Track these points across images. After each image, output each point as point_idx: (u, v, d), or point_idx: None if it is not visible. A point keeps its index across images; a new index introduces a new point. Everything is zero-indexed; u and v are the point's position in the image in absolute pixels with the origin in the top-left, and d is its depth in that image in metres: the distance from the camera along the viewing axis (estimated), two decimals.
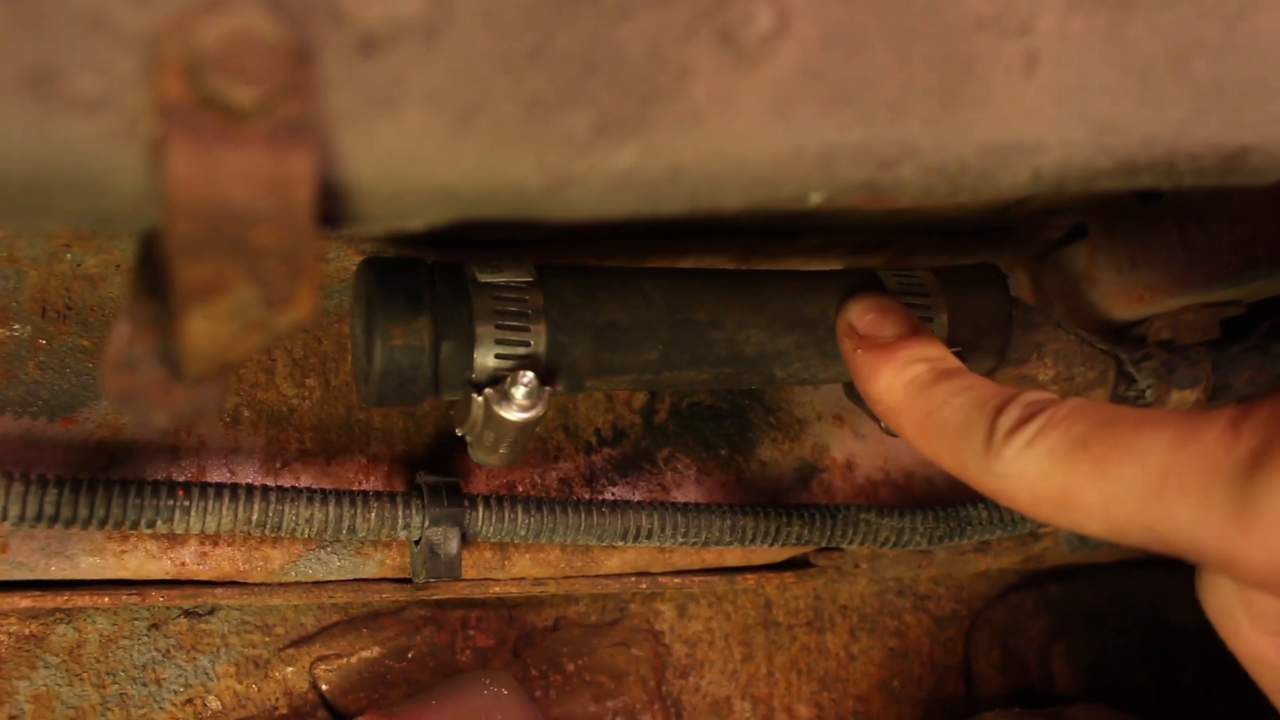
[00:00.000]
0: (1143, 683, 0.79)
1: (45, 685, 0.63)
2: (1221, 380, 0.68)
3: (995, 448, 0.42)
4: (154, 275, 0.33)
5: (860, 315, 0.53)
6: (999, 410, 0.42)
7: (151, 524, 0.57)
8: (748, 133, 0.34)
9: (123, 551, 0.60)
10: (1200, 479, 0.36)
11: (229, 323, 0.31)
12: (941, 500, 0.71)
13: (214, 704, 0.66)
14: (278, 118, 0.28)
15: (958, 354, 0.57)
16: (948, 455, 0.44)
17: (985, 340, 0.59)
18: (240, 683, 0.66)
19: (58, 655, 0.63)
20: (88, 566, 0.60)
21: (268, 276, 0.30)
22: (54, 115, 0.27)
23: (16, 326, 0.60)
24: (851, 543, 0.68)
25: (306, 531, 0.59)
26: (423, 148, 0.31)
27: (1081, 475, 0.39)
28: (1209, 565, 0.37)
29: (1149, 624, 0.80)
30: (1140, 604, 0.79)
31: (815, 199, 0.36)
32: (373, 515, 0.60)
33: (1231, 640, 0.46)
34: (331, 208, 0.31)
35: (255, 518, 0.58)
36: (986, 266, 0.60)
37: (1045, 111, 0.37)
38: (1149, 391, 0.68)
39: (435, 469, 0.64)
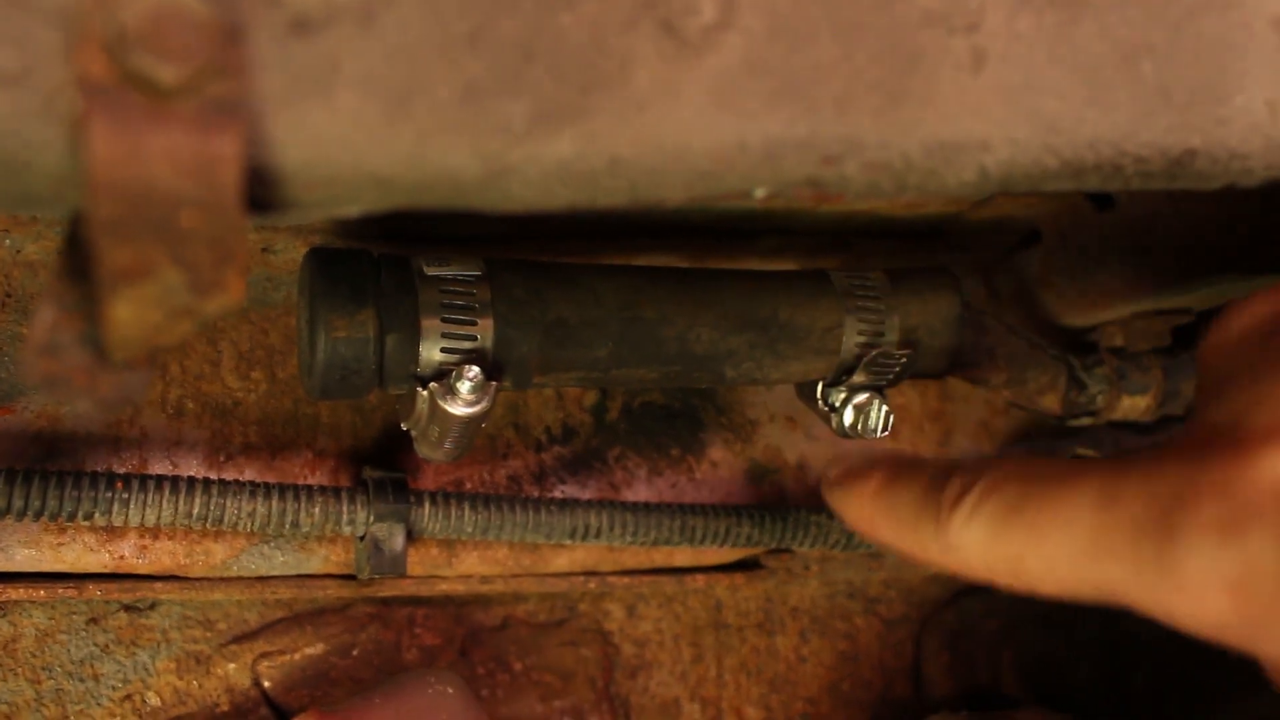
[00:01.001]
0: (1093, 688, 0.79)
1: None
2: (1172, 387, 0.68)
3: (943, 525, 0.42)
4: (80, 258, 0.32)
5: (833, 472, 0.53)
6: (941, 487, 0.43)
7: (89, 516, 0.56)
8: (690, 124, 0.33)
9: (60, 544, 0.59)
10: (1125, 539, 0.36)
11: (155, 308, 0.30)
12: None
13: (153, 700, 0.65)
14: (204, 97, 0.28)
15: (908, 356, 0.57)
16: (917, 549, 0.45)
17: (936, 343, 0.59)
18: (181, 679, 0.65)
19: None
20: (23, 559, 0.59)
21: (194, 261, 0.29)
22: None
23: None
24: (802, 544, 0.68)
25: (249, 526, 0.58)
26: (356, 133, 0.30)
27: (1020, 543, 0.39)
28: (1164, 620, 0.37)
29: (1100, 629, 0.80)
30: (1091, 609, 0.79)
31: (759, 194, 0.36)
32: (317, 510, 0.59)
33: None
34: (261, 192, 0.30)
35: (196, 511, 0.57)
36: (939, 270, 0.60)
37: (992, 110, 0.37)
38: (1100, 397, 0.68)
39: (383, 464, 0.63)
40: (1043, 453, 0.73)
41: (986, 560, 0.41)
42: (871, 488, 0.48)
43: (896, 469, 0.47)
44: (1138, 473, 0.37)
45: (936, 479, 0.44)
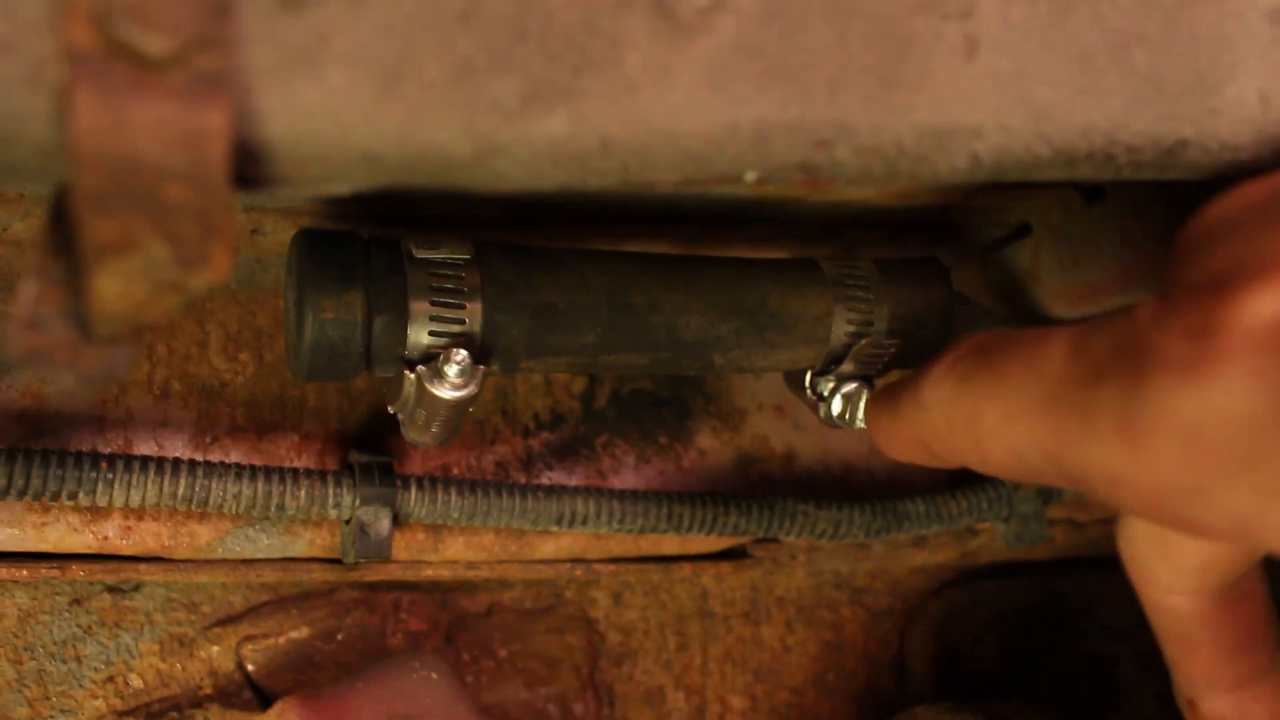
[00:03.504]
0: (1077, 681, 0.79)
1: None
2: None
3: (919, 386, 0.41)
4: (64, 232, 0.32)
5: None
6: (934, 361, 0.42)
7: (73, 496, 0.55)
8: (682, 106, 0.33)
9: (43, 524, 0.59)
10: (1086, 388, 0.33)
11: (140, 282, 0.30)
12: (881, 494, 0.71)
13: (136, 682, 0.64)
14: (192, 70, 0.27)
15: (897, 346, 0.57)
16: (898, 418, 0.43)
17: (925, 333, 0.58)
18: (164, 661, 0.65)
19: None
20: (5, 538, 0.58)
21: (180, 235, 0.29)
22: None
23: None
24: (789, 534, 0.68)
25: (234, 508, 0.58)
26: (345, 109, 0.30)
27: (983, 393, 0.37)
28: (1101, 495, 0.34)
29: (1084, 622, 0.80)
30: (1075, 602, 0.80)
31: (750, 177, 0.36)
32: (302, 493, 0.59)
33: (1143, 588, 0.46)
34: (249, 168, 0.30)
35: (181, 492, 0.57)
36: (929, 260, 0.60)
37: (985, 96, 0.37)
38: None
39: (370, 448, 0.63)
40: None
41: (948, 416, 0.39)
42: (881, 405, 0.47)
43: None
44: (1108, 324, 0.34)
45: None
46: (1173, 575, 0.44)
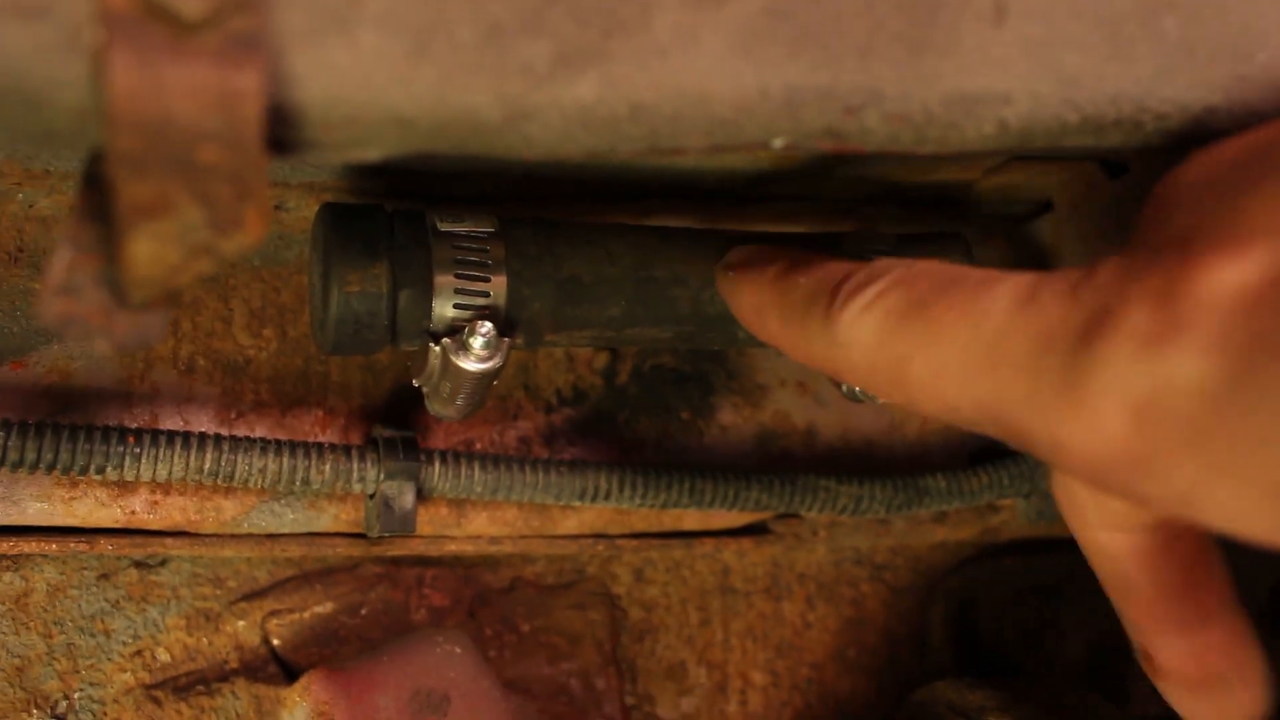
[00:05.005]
0: (1096, 656, 0.79)
1: None
2: None
3: (833, 315, 0.37)
4: (98, 198, 0.32)
5: (733, 254, 0.49)
6: (845, 278, 0.38)
7: (101, 470, 0.56)
8: (711, 71, 0.33)
9: (71, 498, 0.59)
10: (1033, 346, 0.31)
11: (174, 245, 0.30)
12: (901, 470, 0.71)
13: (163, 656, 0.65)
14: (227, 31, 0.28)
15: None
16: (801, 343, 0.40)
17: None
18: (190, 635, 0.65)
19: (4, 603, 0.62)
20: (35, 512, 0.59)
21: (214, 198, 0.29)
22: None
23: None
24: (810, 509, 0.68)
25: (260, 482, 0.58)
26: (377, 71, 0.30)
27: (913, 341, 0.34)
28: (1039, 454, 0.32)
29: (1104, 600, 0.80)
30: (1095, 580, 0.80)
31: (779, 143, 0.36)
32: (327, 467, 0.59)
33: (1078, 532, 0.45)
34: (282, 131, 0.30)
35: (208, 466, 0.57)
36: (952, 235, 0.60)
37: (1013, 63, 0.36)
38: None
39: (393, 424, 0.63)
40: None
41: (871, 360, 0.36)
42: (769, 275, 0.43)
43: (800, 257, 0.43)
44: (1064, 280, 0.32)
45: (841, 270, 0.39)
46: (1104, 511, 0.43)
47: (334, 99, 0.30)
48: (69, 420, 0.58)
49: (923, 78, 0.35)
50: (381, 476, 0.60)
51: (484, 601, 0.70)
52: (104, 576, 0.64)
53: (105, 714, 0.63)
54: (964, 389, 0.33)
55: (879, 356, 0.36)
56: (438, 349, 0.50)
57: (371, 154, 0.33)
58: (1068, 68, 0.37)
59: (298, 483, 0.59)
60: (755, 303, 0.44)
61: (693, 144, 0.34)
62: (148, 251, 0.30)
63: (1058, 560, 0.79)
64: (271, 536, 0.63)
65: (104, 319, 0.33)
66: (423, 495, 0.62)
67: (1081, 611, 0.79)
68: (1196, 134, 0.40)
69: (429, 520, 0.65)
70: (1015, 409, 0.32)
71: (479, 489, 0.62)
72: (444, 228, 0.51)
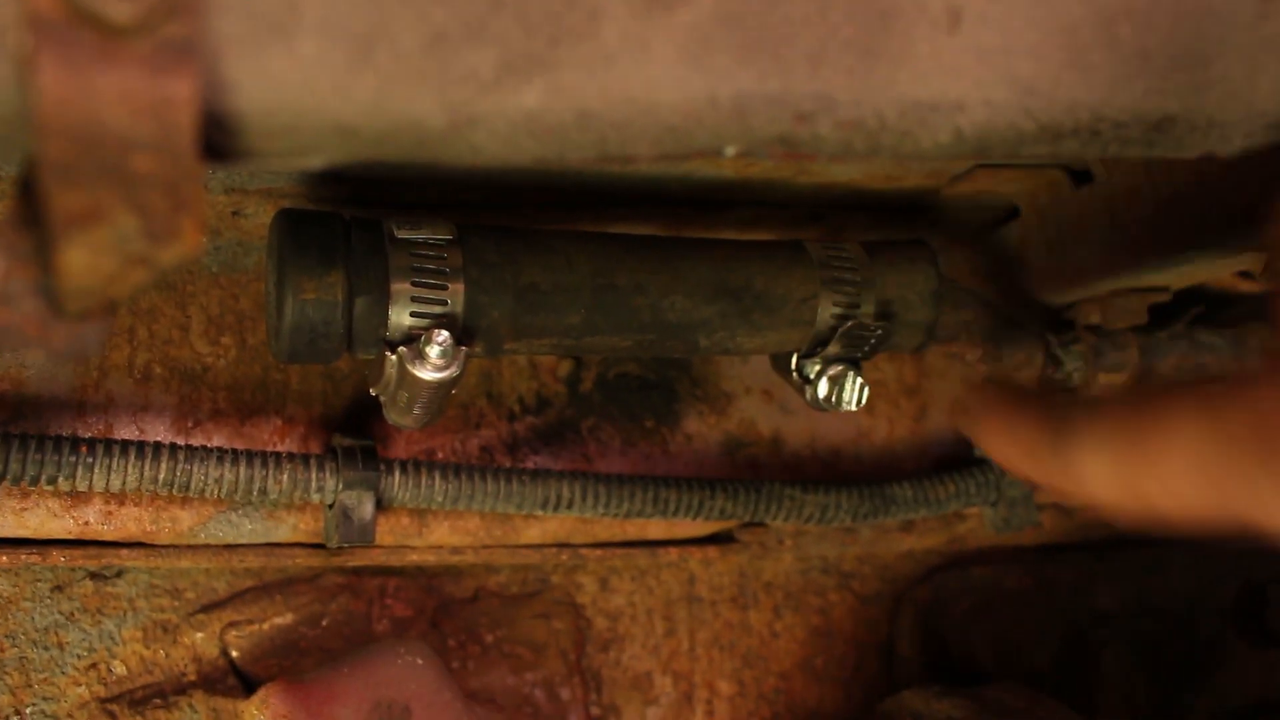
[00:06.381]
0: (1063, 665, 0.79)
1: None
2: (1147, 365, 0.68)
3: (1068, 449, 0.43)
4: (33, 206, 0.31)
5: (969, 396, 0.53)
6: (1060, 420, 0.44)
7: (53, 480, 0.55)
8: (660, 79, 0.33)
9: (22, 509, 0.58)
10: (1233, 459, 0.36)
11: (109, 255, 0.30)
12: (868, 478, 0.70)
13: (119, 669, 0.64)
14: (158, 37, 0.27)
15: (883, 328, 0.56)
16: (1043, 477, 0.45)
17: (912, 316, 0.58)
18: (147, 648, 0.64)
19: None
20: None
21: (149, 207, 0.29)
22: None
23: None
24: (776, 518, 0.67)
25: (216, 492, 0.57)
26: (317, 79, 0.30)
27: (1137, 468, 0.40)
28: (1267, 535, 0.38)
29: (1071, 607, 0.80)
30: (1062, 587, 0.80)
31: (730, 151, 0.35)
32: (285, 477, 0.58)
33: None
34: (219, 138, 0.30)
35: (162, 476, 0.56)
36: (917, 243, 0.60)
37: (968, 70, 0.36)
38: (1076, 374, 0.68)
39: (353, 432, 0.62)
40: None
41: (1107, 489, 0.41)
42: (997, 422, 0.48)
43: (1017, 402, 0.48)
44: (1238, 398, 0.37)
45: (1055, 411, 0.44)
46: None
47: (273, 107, 0.29)
48: (20, 429, 0.57)
49: (875, 85, 0.35)
50: (340, 486, 0.59)
51: (447, 612, 0.70)
52: (58, 588, 0.63)
53: None
54: (1192, 497, 0.38)
55: (1117, 484, 0.41)
56: (394, 358, 0.50)
57: (315, 162, 0.32)
58: (1023, 75, 0.37)
59: (255, 493, 0.58)
60: (997, 447, 0.48)
61: (642, 151, 0.34)
62: (82, 261, 0.30)
63: (1024, 568, 0.79)
64: (229, 547, 0.62)
65: (40, 329, 0.32)
66: (383, 505, 0.61)
67: (1049, 621, 0.79)
68: (1156, 142, 0.40)
69: (390, 530, 0.64)
70: (1244, 506, 0.37)
71: (440, 499, 0.61)
72: (401, 235, 0.50)
